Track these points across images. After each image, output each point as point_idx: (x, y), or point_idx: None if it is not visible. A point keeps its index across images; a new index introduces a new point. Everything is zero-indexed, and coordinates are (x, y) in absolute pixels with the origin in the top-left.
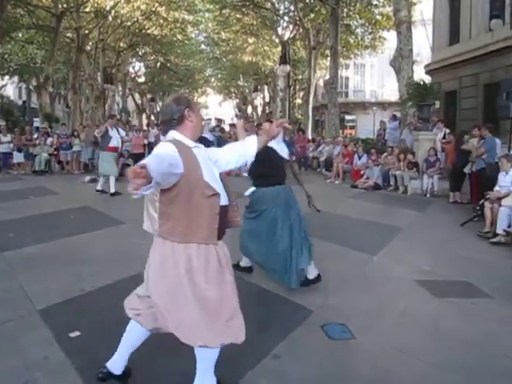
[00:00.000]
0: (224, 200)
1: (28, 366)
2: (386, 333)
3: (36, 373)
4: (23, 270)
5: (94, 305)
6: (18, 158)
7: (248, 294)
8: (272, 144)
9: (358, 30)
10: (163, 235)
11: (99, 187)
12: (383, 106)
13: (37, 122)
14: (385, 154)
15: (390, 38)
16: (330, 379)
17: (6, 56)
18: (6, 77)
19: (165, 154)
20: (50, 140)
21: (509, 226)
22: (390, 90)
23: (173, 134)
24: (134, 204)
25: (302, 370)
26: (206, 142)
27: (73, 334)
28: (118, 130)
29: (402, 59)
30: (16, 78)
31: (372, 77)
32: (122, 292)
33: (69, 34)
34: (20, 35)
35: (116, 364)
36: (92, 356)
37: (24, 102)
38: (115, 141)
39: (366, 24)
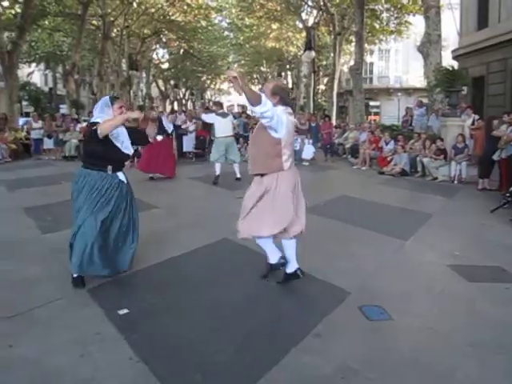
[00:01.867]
0: None
1: (82, 341)
2: (423, 314)
3: (90, 347)
4: (65, 252)
5: (138, 284)
6: (48, 144)
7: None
8: None
9: (384, 15)
10: None
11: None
12: (408, 91)
13: (63, 109)
14: (412, 140)
15: (416, 23)
16: (371, 357)
17: (34, 44)
18: (33, 64)
19: None
20: (79, 126)
21: None
22: (415, 76)
23: None
24: (165, 190)
25: (344, 348)
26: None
27: (121, 312)
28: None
29: (430, 45)
30: (42, 66)
31: (397, 62)
32: (159, 274)
33: (94, 22)
34: (47, 23)
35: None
36: (142, 331)
37: (50, 89)
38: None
39: (392, 9)
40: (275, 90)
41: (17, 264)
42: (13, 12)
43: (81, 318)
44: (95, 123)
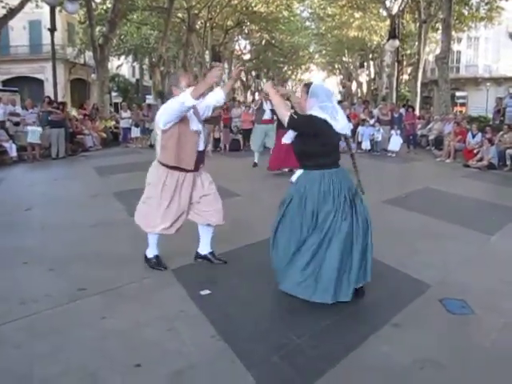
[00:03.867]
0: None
1: (167, 317)
2: (508, 311)
3: (175, 322)
4: None
5: (219, 268)
6: (135, 132)
7: None
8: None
9: (473, 1)
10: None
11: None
12: (498, 81)
13: (149, 99)
14: (501, 132)
15: (509, 8)
16: (452, 351)
17: (123, 37)
18: (122, 57)
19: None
20: None
21: None
22: (507, 65)
23: None
24: (247, 177)
25: (423, 339)
26: None
27: (204, 292)
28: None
29: None
30: (130, 58)
31: (486, 50)
32: (244, 257)
33: (180, 15)
34: (135, 17)
35: None
36: (223, 312)
37: (137, 80)
38: (268, 114)
39: None
40: None
41: (108, 245)
42: (104, 7)
43: (166, 296)
44: None
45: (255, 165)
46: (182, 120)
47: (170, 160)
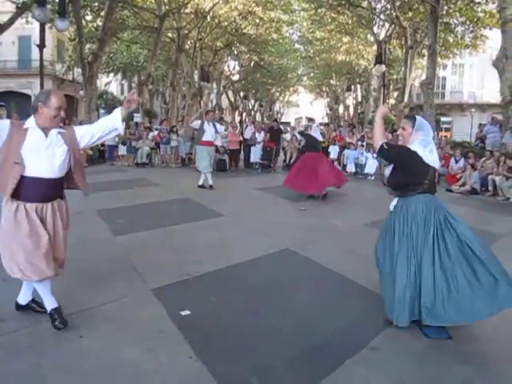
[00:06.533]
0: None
1: (145, 337)
2: (486, 336)
3: (153, 343)
4: (135, 254)
5: (200, 288)
6: (122, 150)
7: (343, 288)
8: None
9: (459, 29)
10: None
11: (200, 182)
12: (482, 107)
13: (137, 118)
14: (483, 158)
15: (493, 37)
16: (427, 376)
17: (112, 55)
18: (111, 74)
19: None
20: (151, 134)
21: None
22: (491, 92)
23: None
24: (232, 198)
25: (401, 363)
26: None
27: (184, 313)
28: (214, 126)
29: (506, 60)
30: (119, 76)
31: (471, 77)
32: (223, 279)
33: (170, 34)
34: (125, 35)
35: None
36: (202, 332)
37: (125, 97)
38: (209, 135)
39: (467, 22)
40: None
41: (89, 263)
42: (94, 25)
43: (145, 316)
44: None
45: (211, 187)
46: None
47: None
